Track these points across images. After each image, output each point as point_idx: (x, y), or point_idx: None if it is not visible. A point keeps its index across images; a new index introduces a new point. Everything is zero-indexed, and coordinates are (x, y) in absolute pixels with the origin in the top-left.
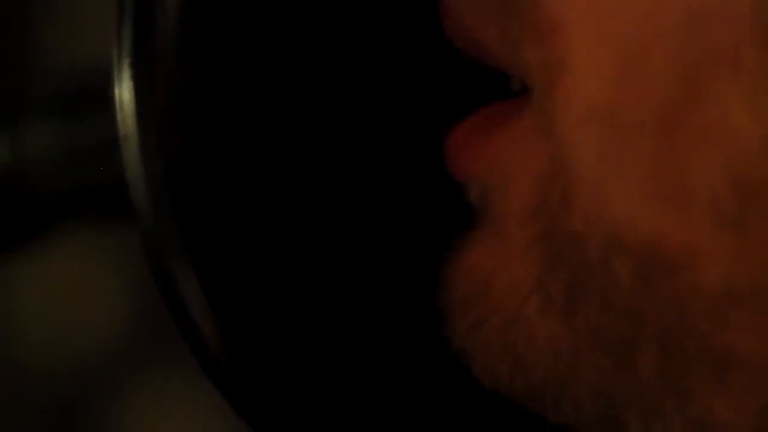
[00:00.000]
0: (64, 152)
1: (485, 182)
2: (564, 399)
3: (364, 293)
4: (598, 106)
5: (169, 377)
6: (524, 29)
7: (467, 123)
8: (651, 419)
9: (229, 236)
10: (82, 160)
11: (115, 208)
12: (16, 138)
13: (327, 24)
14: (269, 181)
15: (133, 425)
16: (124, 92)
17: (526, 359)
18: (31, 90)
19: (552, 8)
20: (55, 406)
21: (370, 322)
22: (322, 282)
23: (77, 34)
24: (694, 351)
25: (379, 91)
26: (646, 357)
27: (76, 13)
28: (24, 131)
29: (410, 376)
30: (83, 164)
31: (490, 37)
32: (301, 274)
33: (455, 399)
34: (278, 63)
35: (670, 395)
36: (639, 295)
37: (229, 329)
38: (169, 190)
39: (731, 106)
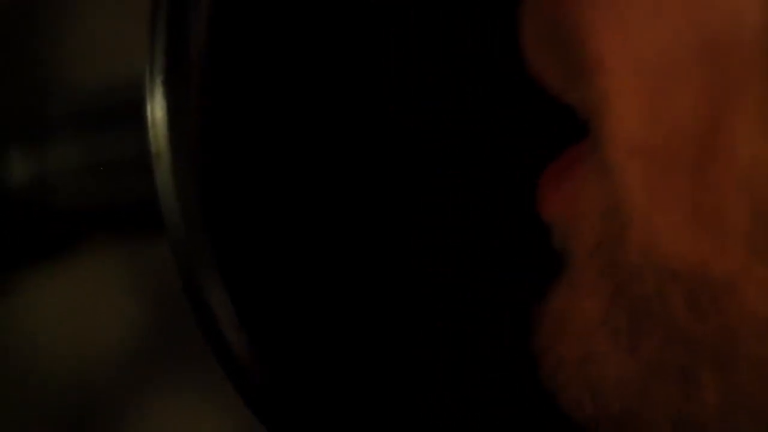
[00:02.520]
0: (88, 169)
1: (563, 224)
2: (643, 428)
3: (415, 309)
4: (638, 142)
5: (180, 391)
6: (574, 68)
7: (551, 168)
8: None
9: (261, 251)
10: (105, 176)
11: (136, 225)
12: (41, 154)
13: (365, 36)
14: (303, 196)
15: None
16: (156, 110)
17: (603, 392)
18: (56, 106)
19: (593, 47)
20: (69, 416)
21: (411, 338)
22: (356, 296)
23: (101, 51)
24: (752, 374)
25: (446, 115)
26: (708, 383)
27: (100, 31)
28: (49, 147)
29: (453, 398)
30: (107, 181)
31: (552, 76)
32: (334, 289)
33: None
34: (315, 79)
35: (743, 417)
36: (694, 322)
37: (259, 343)
38: (200, 206)
39: (753, 137)
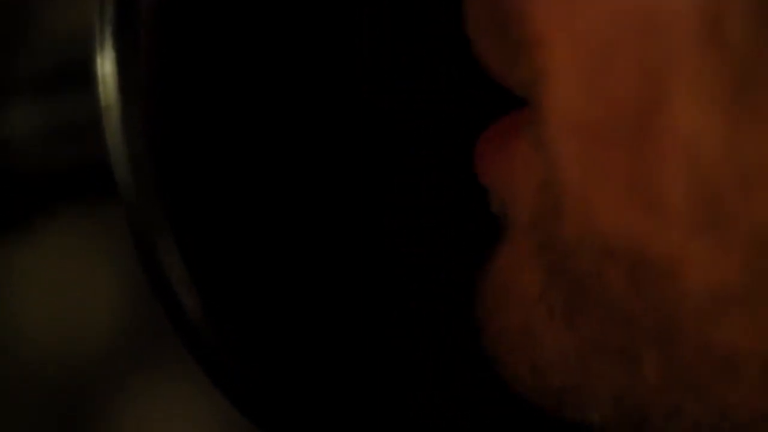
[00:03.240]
0: (51, 130)
1: (500, 191)
2: (584, 403)
3: (361, 275)
4: (575, 117)
5: (163, 373)
6: (514, 47)
7: (489, 131)
8: (672, 417)
9: (213, 208)
10: (69, 137)
11: (105, 192)
12: (3, 117)
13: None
14: (255, 154)
15: (129, 422)
16: (106, 63)
17: (542, 366)
18: (17, 69)
19: (533, 24)
20: (51, 403)
21: (362, 302)
22: (310, 260)
23: (64, 11)
24: (694, 352)
25: (387, 70)
26: (649, 361)
27: None
28: (10, 110)
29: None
30: (70, 142)
31: (493, 58)
32: (288, 252)
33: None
34: (270, 37)
35: (684, 394)
36: (632, 301)
37: (212, 304)
38: (151, 160)
39: (690, 111)
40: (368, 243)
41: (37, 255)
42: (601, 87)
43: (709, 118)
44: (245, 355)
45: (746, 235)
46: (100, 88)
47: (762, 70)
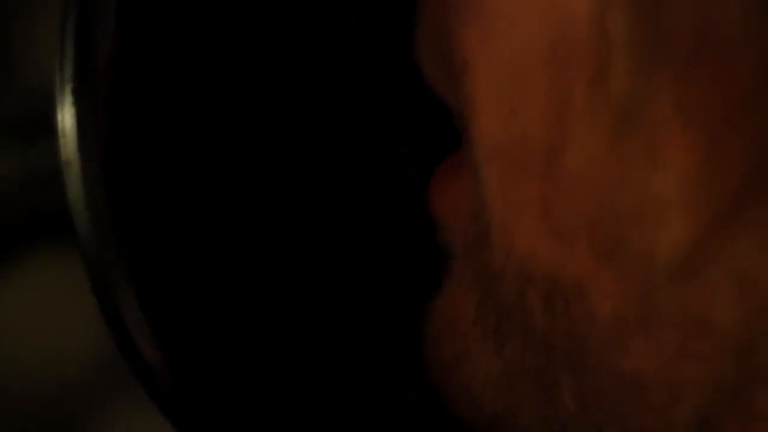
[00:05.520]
0: (18, 177)
1: (445, 222)
2: (515, 427)
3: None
4: (495, 144)
5: (139, 398)
6: (448, 72)
7: (441, 166)
8: None
9: (172, 260)
10: (35, 185)
11: (69, 237)
12: None
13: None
14: (215, 206)
15: None
16: (65, 118)
17: (475, 393)
18: None
19: (461, 52)
20: (39, 423)
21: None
22: (268, 305)
23: (31, 62)
24: (606, 377)
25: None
26: (566, 387)
27: (29, 43)
28: None
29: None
30: (37, 189)
31: (437, 82)
32: (247, 297)
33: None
34: (230, 87)
35: (603, 418)
36: (548, 327)
37: (171, 351)
38: (110, 215)
39: (583, 146)
40: (344, 238)
41: (15, 292)
42: (517, 114)
43: (598, 154)
44: (207, 403)
45: (640, 265)
46: (60, 144)
47: (637, 120)
